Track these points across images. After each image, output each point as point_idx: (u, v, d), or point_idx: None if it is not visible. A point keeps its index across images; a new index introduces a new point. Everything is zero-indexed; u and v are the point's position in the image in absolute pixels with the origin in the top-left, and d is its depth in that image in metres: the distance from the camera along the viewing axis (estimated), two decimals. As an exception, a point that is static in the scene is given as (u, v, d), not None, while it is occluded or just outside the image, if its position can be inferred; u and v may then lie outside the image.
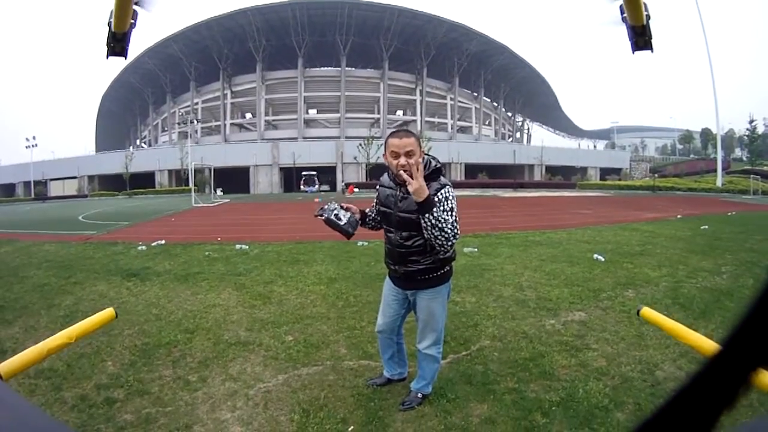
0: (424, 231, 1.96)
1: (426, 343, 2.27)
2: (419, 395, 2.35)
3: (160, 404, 2.38)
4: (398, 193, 2.13)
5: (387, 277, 2.40)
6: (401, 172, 1.97)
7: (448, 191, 2.04)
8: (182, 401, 2.41)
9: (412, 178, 1.90)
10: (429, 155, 2.16)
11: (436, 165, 2.13)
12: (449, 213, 1.96)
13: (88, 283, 5.27)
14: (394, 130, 2.18)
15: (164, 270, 5.89)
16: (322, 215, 2.20)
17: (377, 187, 2.33)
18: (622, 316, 3.59)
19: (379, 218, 2.32)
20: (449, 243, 1.97)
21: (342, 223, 2.21)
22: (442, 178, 2.12)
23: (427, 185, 1.95)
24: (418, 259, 2.11)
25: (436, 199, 1.96)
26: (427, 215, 1.91)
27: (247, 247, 7.48)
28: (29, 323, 3.82)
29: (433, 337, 2.26)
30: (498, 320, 3.55)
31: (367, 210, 2.40)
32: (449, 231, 1.93)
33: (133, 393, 2.50)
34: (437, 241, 1.95)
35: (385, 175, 2.29)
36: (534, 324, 3.45)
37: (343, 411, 2.30)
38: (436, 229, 1.91)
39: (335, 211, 2.21)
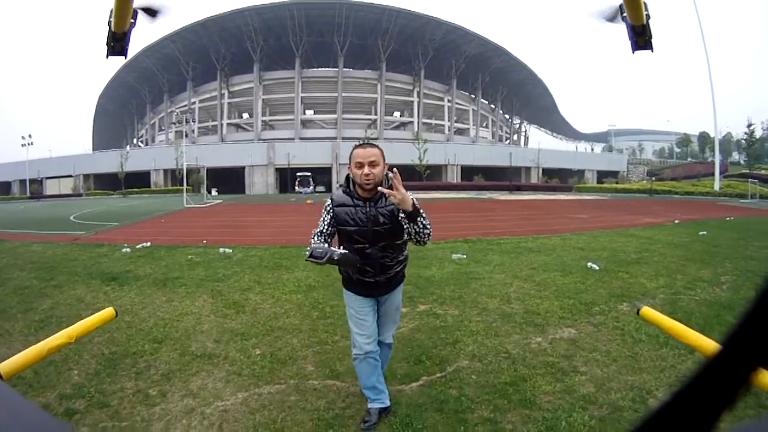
0: (413, 235, 2.03)
1: (390, 333, 2.40)
2: None
3: (117, 418, 2.32)
4: (366, 208, 2.10)
5: (350, 293, 2.24)
6: (385, 189, 1.96)
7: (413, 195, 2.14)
8: (139, 416, 2.33)
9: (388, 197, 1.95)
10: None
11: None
12: (423, 211, 2.06)
13: (68, 286, 5.17)
14: (358, 143, 2.17)
15: (144, 274, 5.77)
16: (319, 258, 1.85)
17: (328, 208, 2.16)
18: (615, 334, 3.36)
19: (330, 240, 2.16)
20: (430, 235, 2.08)
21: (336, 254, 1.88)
22: None
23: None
24: (397, 263, 2.20)
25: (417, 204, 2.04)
26: (418, 219, 1.97)
27: (231, 250, 7.31)
28: (5, 327, 3.77)
29: (395, 326, 2.43)
30: (480, 337, 3.34)
31: (317, 237, 2.10)
32: (429, 226, 2.05)
33: (93, 405, 2.45)
34: (424, 238, 2.05)
35: (337, 192, 2.20)
36: (518, 342, 3.23)
37: (300, 437, 2.14)
38: (426, 228, 2.02)
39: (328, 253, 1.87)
